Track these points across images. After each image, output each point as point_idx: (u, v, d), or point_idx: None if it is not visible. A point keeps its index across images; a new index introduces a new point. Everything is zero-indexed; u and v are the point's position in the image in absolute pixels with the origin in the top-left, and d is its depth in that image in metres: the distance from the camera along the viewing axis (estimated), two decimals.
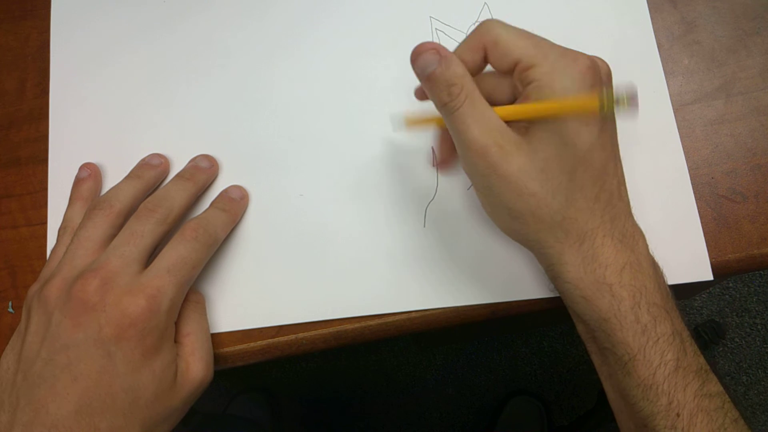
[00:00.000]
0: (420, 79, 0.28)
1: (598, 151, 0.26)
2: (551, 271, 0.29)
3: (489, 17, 0.38)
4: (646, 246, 0.28)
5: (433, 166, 0.36)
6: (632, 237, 0.28)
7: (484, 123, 0.27)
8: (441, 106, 0.28)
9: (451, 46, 0.38)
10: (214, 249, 0.33)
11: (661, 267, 0.29)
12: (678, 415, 0.26)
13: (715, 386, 0.27)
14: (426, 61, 0.27)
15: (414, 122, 0.32)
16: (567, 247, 0.27)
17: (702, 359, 0.27)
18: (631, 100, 0.22)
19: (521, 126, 0.27)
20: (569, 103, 0.25)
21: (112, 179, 0.37)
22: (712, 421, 0.26)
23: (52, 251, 0.33)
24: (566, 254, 0.27)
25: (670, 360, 0.26)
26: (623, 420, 0.29)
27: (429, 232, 0.35)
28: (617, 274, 0.26)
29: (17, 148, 0.39)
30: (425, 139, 0.37)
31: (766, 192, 0.35)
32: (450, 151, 0.34)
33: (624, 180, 0.29)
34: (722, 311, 1.11)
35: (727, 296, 1.11)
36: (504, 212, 0.28)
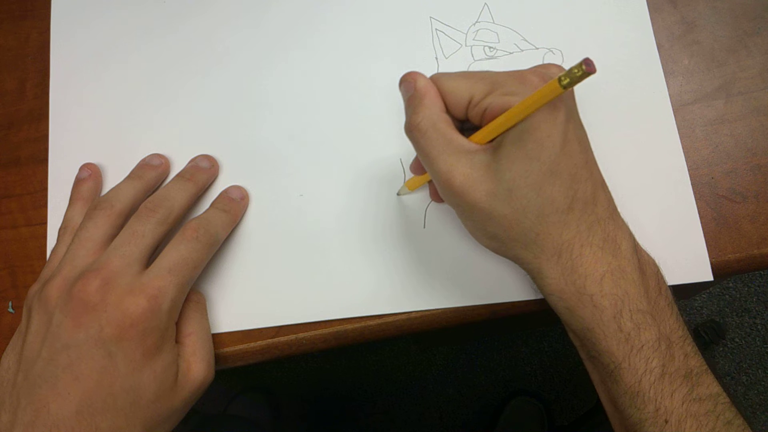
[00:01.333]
0: (404, 101, 0.29)
1: (565, 160, 0.26)
2: (535, 283, 0.29)
3: (489, 17, 0.38)
4: (632, 247, 0.28)
5: None
6: (614, 241, 0.27)
7: (446, 151, 0.27)
8: (407, 132, 0.29)
9: (451, 46, 0.38)
10: (215, 249, 0.33)
11: (655, 265, 0.29)
12: (666, 421, 0.26)
13: (707, 389, 0.27)
14: (405, 88, 0.29)
15: (413, 185, 0.34)
16: (544, 262, 0.27)
17: (693, 362, 0.27)
18: (586, 65, 0.22)
19: (493, 145, 0.27)
20: (530, 99, 0.25)
21: (112, 179, 0.37)
22: (702, 426, 0.25)
23: (53, 251, 0.33)
24: (545, 268, 0.27)
25: (656, 367, 0.26)
26: (616, 425, 0.29)
27: (429, 232, 0.35)
28: (597, 283, 0.26)
29: (17, 148, 0.39)
30: None
31: (766, 192, 0.35)
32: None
33: (601, 183, 0.28)
34: (722, 311, 1.11)
35: (727, 296, 1.11)
36: (480, 233, 0.29)
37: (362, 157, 0.37)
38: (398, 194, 0.36)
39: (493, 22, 0.38)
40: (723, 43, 0.37)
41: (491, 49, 0.38)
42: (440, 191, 0.29)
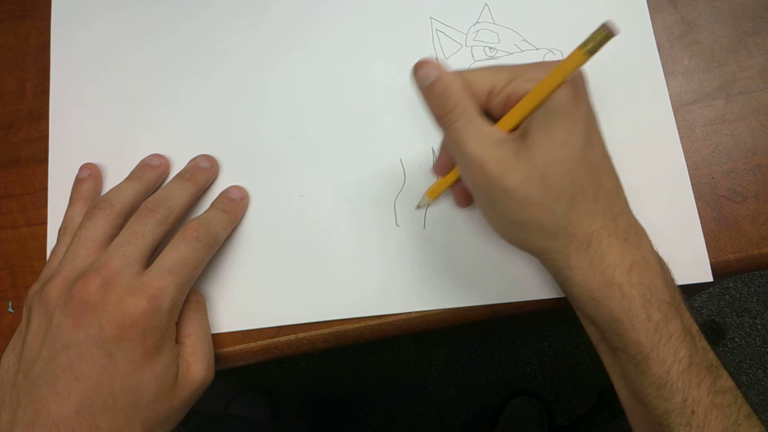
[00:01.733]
0: (420, 91, 0.28)
1: (591, 149, 0.27)
2: (559, 276, 0.28)
3: (489, 18, 0.38)
4: (650, 242, 0.28)
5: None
6: (635, 234, 0.27)
7: (481, 137, 0.27)
8: (438, 118, 0.28)
9: (451, 46, 0.38)
10: (215, 249, 0.33)
11: (666, 263, 0.29)
12: (693, 412, 0.25)
13: (726, 382, 0.27)
14: (426, 74, 0.28)
15: (435, 191, 0.34)
16: (573, 251, 0.27)
17: (712, 355, 0.27)
18: (610, 28, 0.21)
19: (520, 133, 0.27)
20: (556, 72, 0.25)
21: (112, 179, 0.37)
22: (726, 417, 0.26)
23: (53, 251, 0.33)
24: (573, 258, 0.27)
25: (684, 357, 0.26)
26: (636, 420, 0.29)
27: (429, 233, 0.35)
28: (626, 273, 0.26)
29: (17, 148, 0.39)
30: (427, 141, 0.37)
31: (766, 192, 0.35)
32: (465, 193, 0.34)
33: (617, 176, 0.29)
34: (722, 311, 1.11)
35: (727, 296, 1.11)
36: (508, 224, 0.29)
37: (362, 157, 0.37)
38: (418, 206, 0.35)
39: (494, 23, 0.38)
40: (723, 43, 0.37)
41: (491, 50, 0.38)
42: (471, 181, 0.28)
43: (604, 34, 0.22)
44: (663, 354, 0.26)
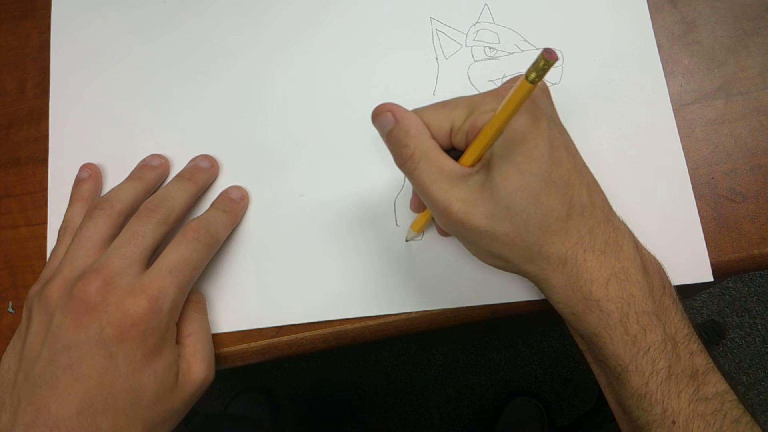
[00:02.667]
0: (382, 137, 0.28)
1: (556, 168, 0.26)
2: (543, 292, 0.29)
3: (489, 18, 0.38)
4: (633, 248, 0.28)
5: None
6: (615, 243, 0.27)
7: (443, 179, 0.27)
8: (399, 166, 0.28)
9: (451, 46, 0.38)
10: (215, 250, 0.33)
11: (658, 263, 0.29)
12: (674, 422, 0.26)
13: (713, 387, 0.27)
14: (383, 121, 0.28)
15: (417, 226, 0.34)
16: (550, 272, 0.27)
17: (699, 360, 0.27)
18: (546, 53, 0.22)
19: (484, 164, 0.27)
20: (506, 104, 0.25)
21: (112, 179, 0.37)
22: (709, 425, 0.26)
23: (53, 251, 0.33)
24: (551, 279, 0.27)
25: (662, 368, 0.26)
26: (624, 427, 0.29)
27: (429, 233, 0.35)
28: (603, 288, 0.26)
29: (17, 148, 0.39)
30: None
31: (766, 192, 0.35)
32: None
33: (594, 184, 0.28)
34: (722, 311, 1.11)
35: (727, 296, 1.11)
36: (485, 254, 0.29)
37: (362, 158, 0.37)
38: (407, 240, 0.35)
39: (494, 23, 0.38)
40: (723, 43, 0.37)
41: (491, 50, 0.38)
42: (440, 221, 0.28)
43: (543, 62, 0.22)
44: (641, 366, 0.26)
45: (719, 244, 0.34)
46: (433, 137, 0.28)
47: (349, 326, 0.35)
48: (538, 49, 0.37)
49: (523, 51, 0.37)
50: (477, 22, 0.38)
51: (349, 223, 0.36)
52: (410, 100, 0.37)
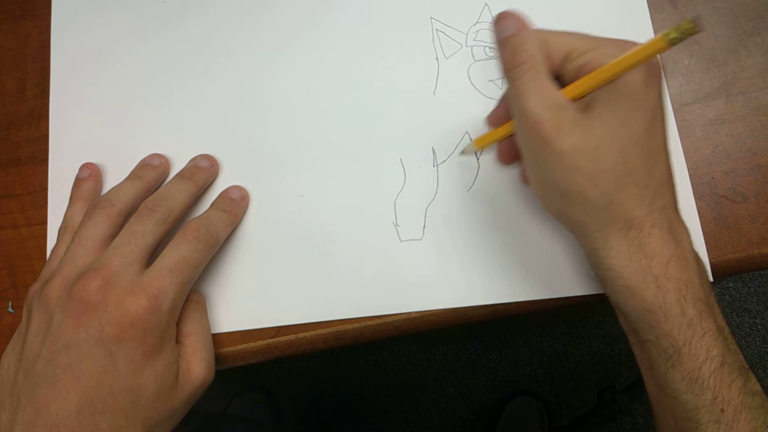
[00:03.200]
0: (497, 42, 0.28)
1: (652, 137, 0.26)
2: (593, 257, 0.28)
3: (489, 18, 0.38)
4: (691, 241, 0.28)
5: (434, 166, 0.36)
6: (678, 230, 0.27)
7: (543, 96, 0.27)
8: (506, 71, 0.28)
9: (451, 46, 0.38)
10: (216, 249, 0.33)
11: (704, 265, 0.29)
12: (722, 410, 0.25)
13: (755, 385, 0.27)
14: (504, 26, 0.28)
15: (483, 141, 0.33)
16: (613, 233, 0.27)
17: (742, 357, 0.27)
18: (696, 21, 0.21)
19: (583, 104, 0.27)
20: (633, 53, 0.24)
21: (112, 179, 0.37)
22: (755, 418, 0.26)
23: (53, 251, 0.33)
24: (611, 240, 0.27)
25: (716, 356, 0.26)
26: (660, 413, 0.29)
27: (429, 233, 0.35)
28: (663, 265, 0.26)
29: (17, 148, 0.39)
30: (427, 140, 0.37)
31: (766, 192, 0.35)
32: (511, 150, 0.33)
33: (672, 173, 0.28)
34: (722, 311, 1.11)
35: (727, 296, 1.11)
36: (552, 190, 0.28)
37: (363, 158, 0.37)
38: (462, 152, 0.35)
39: None
40: (723, 43, 0.37)
41: (492, 50, 0.38)
42: (524, 138, 0.28)
43: (689, 27, 0.22)
44: (695, 350, 0.26)
45: (719, 244, 0.34)
46: (547, 57, 0.28)
47: (349, 326, 0.35)
48: None
49: None
50: (477, 22, 0.38)
51: (349, 223, 0.36)
52: (410, 100, 0.37)
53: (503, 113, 0.32)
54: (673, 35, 0.22)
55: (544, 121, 0.26)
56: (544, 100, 0.26)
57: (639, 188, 0.26)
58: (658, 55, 0.26)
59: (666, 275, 0.26)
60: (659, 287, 0.26)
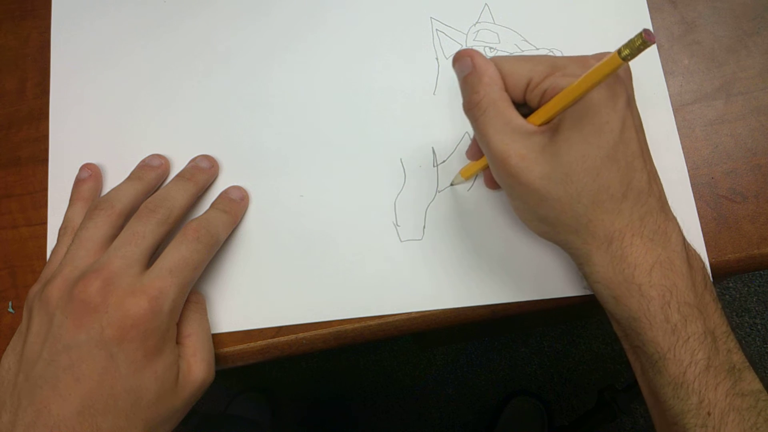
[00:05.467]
0: (458, 82, 0.29)
1: (624, 146, 0.26)
2: (582, 270, 0.29)
3: (489, 18, 0.38)
4: (681, 241, 0.28)
5: (434, 166, 0.36)
6: (664, 233, 0.27)
7: (504, 131, 0.27)
8: (466, 111, 0.28)
9: (451, 46, 0.38)
10: (216, 250, 0.33)
11: (701, 260, 0.29)
12: (709, 414, 0.26)
13: (749, 384, 0.27)
14: (461, 65, 0.28)
15: (467, 173, 0.34)
16: (594, 249, 0.27)
17: (736, 357, 0.27)
18: (645, 34, 0.22)
19: (552, 128, 0.27)
20: (591, 74, 0.25)
21: (112, 179, 0.37)
22: (744, 420, 0.26)
23: (53, 251, 0.33)
24: (594, 255, 0.27)
25: (701, 359, 0.26)
26: (656, 416, 0.29)
27: (428, 233, 0.35)
28: (646, 273, 0.26)
29: (17, 148, 0.39)
30: (427, 140, 0.37)
31: (766, 192, 0.35)
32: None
33: (655, 174, 0.28)
34: (721, 309, 1.10)
35: (727, 296, 1.11)
36: (531, 216, 0.29)
37: (362, 158, 0.37)
38: (452, 184, 0.36)
39: (494, 23, 0.38)
40: (723, 43, 0.37)
41: (492, 50, 0.38)
42: (495, 172, 0.28)
43: (640, 42, 0.22)
44: (679, 355, 0.26)
45: (719, 244, 0.34)
46: (508, 89, 0.28)
47: (349, 326, 0.35)
48: (538, 49, 0.37)
49: (523, 51, 0.37)
50: (477, 22, 0.38)
51: (349, 224, 0.36)
52: (410, 100, 0.37)
53: (478, 148, 0.33)
54: (625, 52, 0.23)
55: (509, 155, 0.27)
56: (507, 135, 0.27)
57: (615, 202, 0.27)
58: (628, 66, 0.26)
59: (650, 283, 0.26)
60: (643, 295, 0.26)
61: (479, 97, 0.27)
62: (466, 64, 0.28)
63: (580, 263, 0.28)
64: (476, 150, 0.33)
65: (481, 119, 0.27)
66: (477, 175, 0.36)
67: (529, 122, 0.27)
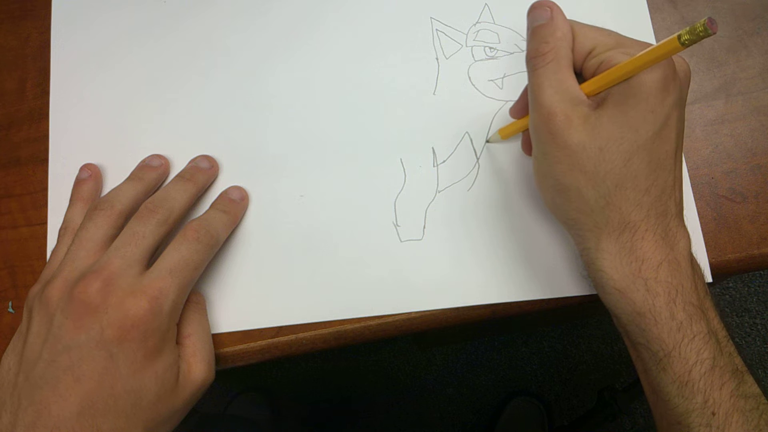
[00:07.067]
0: (528, 29, 0.29)
1: (660, 143, 0.26)
2: (586, 256, 0.28)
3: (489, 18, 0.38)
4: (688, 246, 0.28)
5: (434, 166, 0.36)
6: (674, 236, 0.27)
7: (559, 89, 0.27)
8: (529, 59, 0.28)
9: (451, 46, 0.38)
10: (216, 250, 0.33)
11: (702, 270, 0.29)
12: (713, 413, 0.25)
13: (751, 387, 0.27)
14: (537, 15, 0.28)
15: (506, 132, 0.34)
16: (605, 234, 0.27)
17: (738, 360, 0.27)
18: (709, 23, 0.22)
19: (598, 101, 0.27)
20: (647, 53, 0.25)
21: (112, 180, 0.37)
22: (748, 421, 0.25)
23: (53, 252, 0.33)
24: (603, 241, 0.27)
25: (707, 358, 0.26)
26: (658, 415, 0.29)
27: (428, 233, 0.35)
28: (653, 269, 0.26)
29: (17, 148, 0.39)
30: (427, 140, 0.37)
31: (766, 192, 0.35)
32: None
33: (681, 181, 0.28)
34: (722, 311, 1.11)
35: (727, 296, 1.11)
36: (551, 183, 0.28)
37: (363, 158, 0.37)
38: (488, 141, 0.35)
39: (494, 23, 0.38)
40: (723, 43, 0.37)
41: (492, 50, 0.38)
42: (535, 126, 0.28)
43: (701, 30, 0.22)
44: (685, 353, 0.26)
45: (719, 244, 0.34)
46: (572, 51, 0.28)
47: (349, 326, 0.35)
48: None
49: (523, 51, 0.37)
50: (477, 22, 0.38)
51: (349, 224, 0.36)
52: (410, 100, 0.37)
53: (525, 105, 0.32)
54: (686, 37, 0.22)
55: (555, 113, 0.26)
56: (560, 93, 0.27)
57: (638, 193, 0.26)
58: (688, 65, 0.26)
59: (656, 279, 0.26)
60: (649, 290, 0.26)
61: (548, 47, 0.27)
62: (544, 14, 0.28)
63: (585, 247, 0.28)
64: (520, 107, 0.33)
65: (540, 70, 0.27)
66: (515, 136, 0.35)
67: (582, 89, 0.27)
